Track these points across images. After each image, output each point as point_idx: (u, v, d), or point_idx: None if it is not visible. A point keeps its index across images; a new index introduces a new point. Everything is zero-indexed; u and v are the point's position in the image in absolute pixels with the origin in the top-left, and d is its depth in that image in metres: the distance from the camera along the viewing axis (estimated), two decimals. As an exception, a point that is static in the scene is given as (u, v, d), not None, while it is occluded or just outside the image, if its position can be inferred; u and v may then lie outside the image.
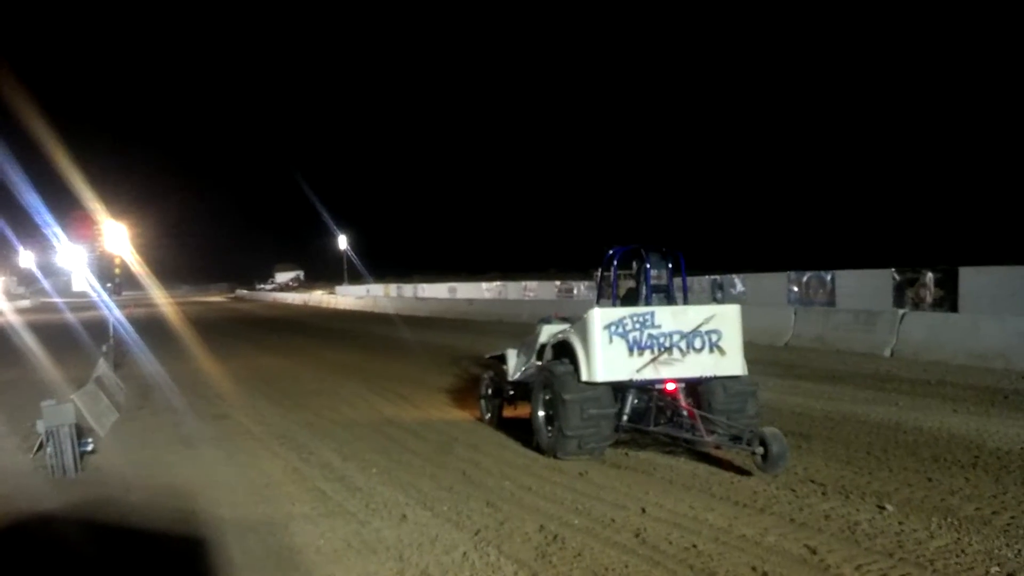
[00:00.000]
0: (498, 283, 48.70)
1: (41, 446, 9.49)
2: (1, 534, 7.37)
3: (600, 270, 10.64)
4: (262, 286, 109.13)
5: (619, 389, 9.21)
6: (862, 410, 11.54)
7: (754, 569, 5.71)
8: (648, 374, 8.95)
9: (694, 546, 6.21)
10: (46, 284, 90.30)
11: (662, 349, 8.95)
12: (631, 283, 10.26)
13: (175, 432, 11.84)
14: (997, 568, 5.62)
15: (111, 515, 7.70)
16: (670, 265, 9.92)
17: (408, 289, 61.26)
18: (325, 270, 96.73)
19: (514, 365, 11.24)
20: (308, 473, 9.16)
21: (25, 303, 73.69)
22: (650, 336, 8.96)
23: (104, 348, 18.39)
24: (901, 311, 18.70)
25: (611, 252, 10.09)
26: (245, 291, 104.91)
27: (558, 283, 41.35)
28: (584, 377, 8.92)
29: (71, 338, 29.53)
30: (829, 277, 24.71)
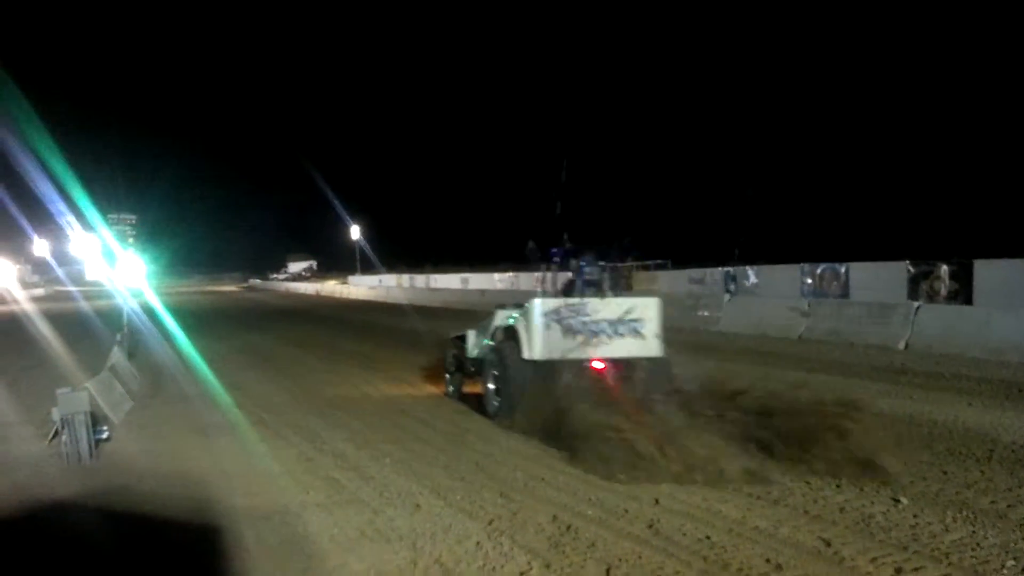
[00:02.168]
0: (510, 274, 48.58)
1: (56, 433, 9.55)
2: (17, 521, 7.41)
3: (545, 267, 12.16)
4: (275, 276, 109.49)
5: (556, 366, 10.45)
6: (876, 403, 11.49)
7: (768, 561, 5.70)
8: (579, 354, 10.48)
9: (708, 537, 6.20)
10: (60, 273, 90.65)
11: (592, 334, 10.58)
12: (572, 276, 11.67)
13: (189, 420, 11.88)
14: (1013, 562, 5.59)
15: (125, 503, 7.73)
16: (602, 263, 11.56)
17: (421, 279, 61.21)
18: (338, 260, 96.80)
19: (472, 344, 12.66)
20: (322, 462, 9.18)
21: (39, 291, 74.13)
22: (582, 322, 10.61)
23: (118, 336, 18.47)
24: (915, 304, 18.64)
25: (553, 251, 11.62)
26: (258, 281, 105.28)
27: (571, 274, 41.15)
28: (525, 355, 10.63)
29: (85, 326, 29.66)
30: (843, 269, 24.60)
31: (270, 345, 23.84)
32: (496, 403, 11.14)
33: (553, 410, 9.66)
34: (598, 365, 10.42)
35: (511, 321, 11.34)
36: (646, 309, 10.83)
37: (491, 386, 11.40)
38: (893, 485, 7.43)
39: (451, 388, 13.39)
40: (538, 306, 10.59)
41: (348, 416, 12.01)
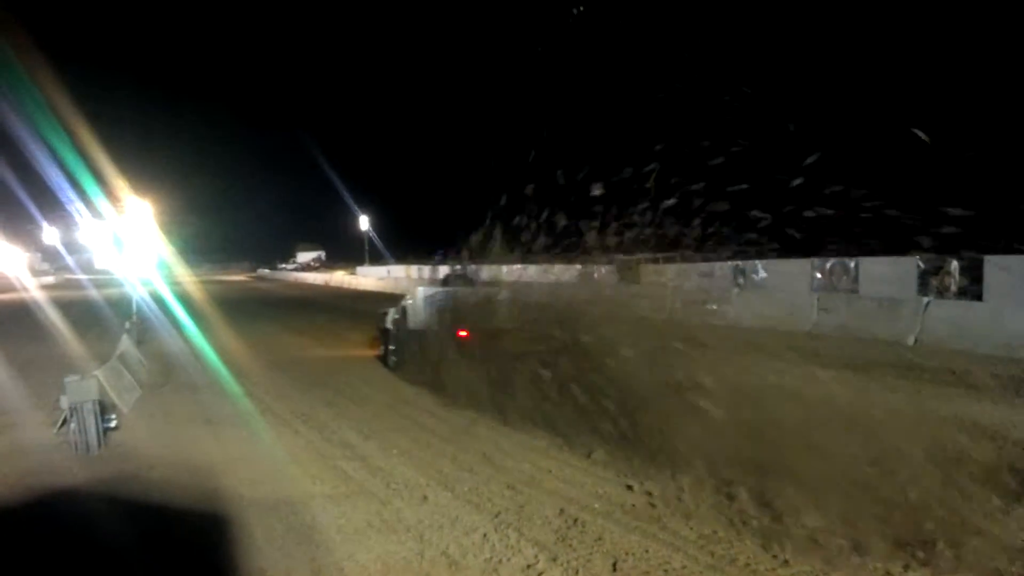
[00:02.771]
0: (519, 266, 48.33)
1: (65, 421, 9.57)
2: (25, 508, 7.44)
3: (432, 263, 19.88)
4: (283, 266, 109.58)
5: (432, 334, 14.40)
6: (884, 398, 11.44)
7: (775, 557, 5.69)
8: (447, 325, 14.10)
9: (715, 532, 6.19)
10: (70, 261, 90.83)
11: (459, 313, 14.30)
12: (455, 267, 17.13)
13: (197, 409, 11.91)
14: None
15: (133, 491, 7.76)
16: (470, 260, 16.92)
17: (428, 270, 61.06)
18: (347, 250, 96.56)
19: (389, 319, 16.67)
20: (329, 452, 9.19)
21: (49, 279, 74.31)
22: (453, 305, 14.76)
23: (127, 325, 18.51)
24: (925, 299, 18.55)
25: (437, 252, 18.24)
26: (267, 270, 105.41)
27: (579, 266, 41.03)
28: (411, 327, 15.24)
29: (95, 315, 29.73)
30: (853, 264, 24.48)
31: (279, 334, 23.84)
32: (394, 359, 15.71)
33: (429, 363, 13.70)
34: (463, 334, 13.53)
35: (406, 303, 15.86)
36: (501, 294, 14.64)
37: (391, 347, 16.05)
38: (902, 481, 7.40)
39: (381, 350, 17.35)
40: (421, 292, 15.43)
41: (355, 406, 12.03)
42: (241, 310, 35.17)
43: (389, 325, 16.58)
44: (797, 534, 6.11)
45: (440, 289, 15.50)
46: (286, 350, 19.00)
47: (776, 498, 6.76)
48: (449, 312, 14.62)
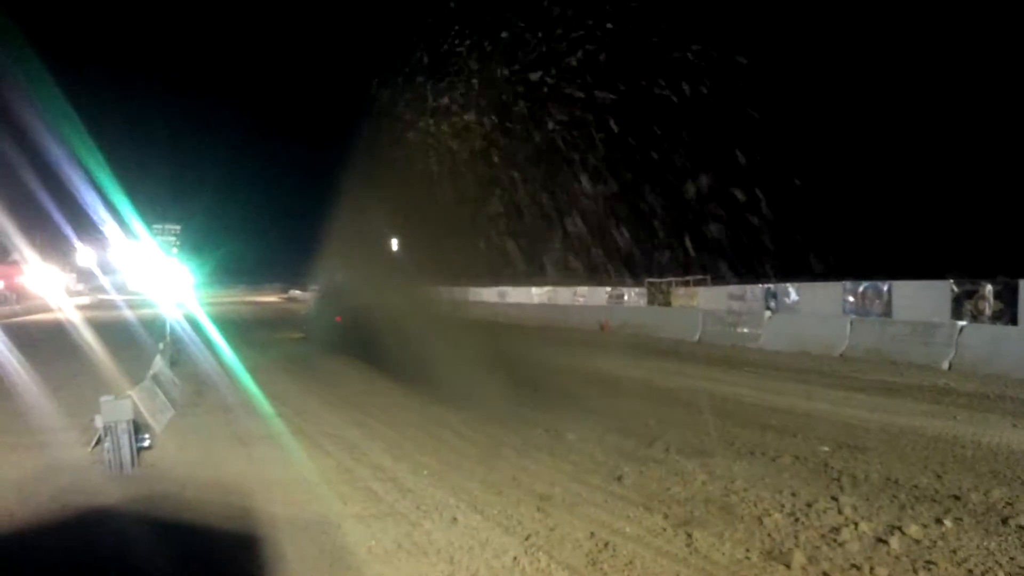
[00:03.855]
0: (548, 288, 48.38)
1: (99, 441, 9.66)
2: (60, 526, 7.51)
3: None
4: (315, 287, 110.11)
5: (323, 318, 28.20)
6: (919, 423, 11.33)
7: (808, 582, 5.65)
8: (330, 314, 27.62)
9: (747, 557, 6.15)
10: (104, 281, 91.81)
11: (338, 307, 27.92)
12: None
13: (229, 429, 11.99)
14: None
15: (166, 510, 7.81)
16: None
17: (458, 292, 61.03)
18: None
19: (304, 314, 33.23)
20: (360, 473, 9.22)
21: (84, 300, 75.13)
22: (333, 302, 29.56)
23: (161, 345, 18.69)
24: (959, 323, 18.37)
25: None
26: (298, 292, 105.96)
27: (608, 289, 41.09)
28: (312, 316, 31.54)
29: (129, 335, 30.01)
30: (886, 288, 24.32)
31: (308, 356, 23.97)
32: (305, 334, 27.45)
33: (324, 336, 24.60)
34: (338, 319, 23.71)
35: (311, 304, 33.69)
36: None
37: (304, 327, 29.47)
38: (936, 507, 7.33)
39: (302, 331, 30.53)
40: (313, 298, 39.40)
41: (384, 426, 12.05)
42: (272, 328, 35.40)
43: (304, 316, 28.76)
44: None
45: (323, 294, 28.16)
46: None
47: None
48: (332, 307, 27.20)
